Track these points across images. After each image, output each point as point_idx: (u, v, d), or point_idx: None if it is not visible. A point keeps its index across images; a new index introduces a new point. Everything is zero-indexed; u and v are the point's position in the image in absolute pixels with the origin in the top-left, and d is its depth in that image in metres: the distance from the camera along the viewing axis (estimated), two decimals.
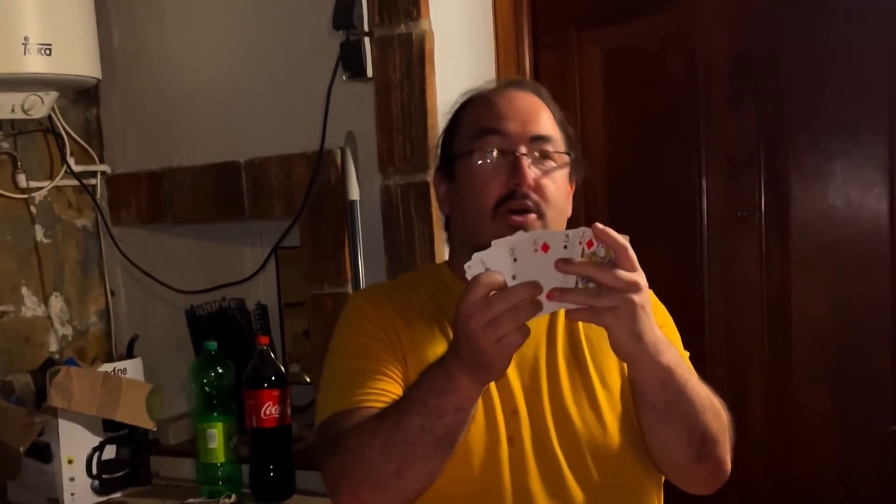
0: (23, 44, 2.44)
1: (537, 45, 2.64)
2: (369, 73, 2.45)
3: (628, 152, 2.57)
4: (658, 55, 2.51)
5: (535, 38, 2.63)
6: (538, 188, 1.69)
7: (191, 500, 2.52)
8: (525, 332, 1.38)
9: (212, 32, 2.77)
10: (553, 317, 1.73)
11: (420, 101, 2.40)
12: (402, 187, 2.43)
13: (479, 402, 1.55)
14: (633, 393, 1.60)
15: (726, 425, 1.64)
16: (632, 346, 1.44)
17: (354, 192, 2.48)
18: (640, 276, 1.41)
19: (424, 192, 2.39)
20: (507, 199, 1.69)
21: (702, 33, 2.45)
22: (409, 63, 2.41)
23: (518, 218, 1.68)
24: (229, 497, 2.51)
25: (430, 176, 2.38)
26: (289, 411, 2.52)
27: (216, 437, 2.55)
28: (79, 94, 2.93)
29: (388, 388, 1.66)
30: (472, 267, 1.39)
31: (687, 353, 1.77)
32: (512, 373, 1.69)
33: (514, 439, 1.66)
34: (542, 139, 1.72)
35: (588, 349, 1.73)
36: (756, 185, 2.40)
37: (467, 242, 1.73)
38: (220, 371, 2.58)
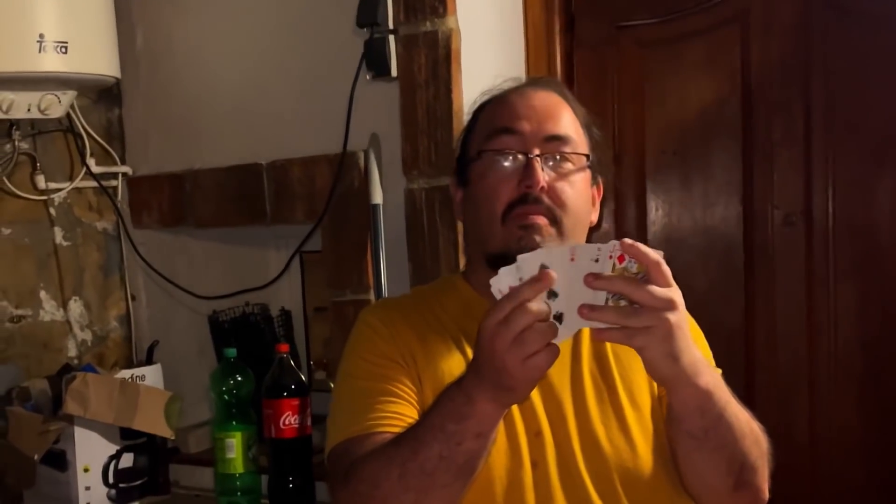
0: (38, 41, 2.37)
1: (572, 42, 2.54)
2: (394, 72, 2.37)
3: (669, 157, 2.47)
4: (703, 56, 2.40)
5: (570, 35, 2.53)
6: (553, 192, 1.60)
7: None
8: (554, 353, 1.29)
9: (235, 31, 2.70)
10: (578, 331, 1.64)
11: (446, 101, 2.31)
12: (427, 191, 2.35)
13: (501, 423, 1.47)
14: (668, 418, 1.50)
15: (765, 451, 1.55)
16: (668, 368, 1.34)
17: (377, 196, 2.40)
18: (675, 293, 1.32)
19: (450, 197, 2.29)
20: (519, 203, 1.60)
21: (750, 35, 2.35)
22: (434, 62, 2.32)
23: (529, 222, 1.58)
24: None
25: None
26: (309, 421, 2.44)
27: (234, 446, 2.47)
28: (101, 94, 2.87)
29: (402, 411, 1.58)
30: (497, 282, 1.31)
31: (719, 371, 1.67)
32: (534, 391, 1.59)
33: (539, 463, 1.57)
34: (558, 139, 1.63)
35: (616, 366, 1.64)
36: (804, 191, 2.30)
37: (480, 250, 1.66)
38: (240, 379, 2.50)
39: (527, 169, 1.60)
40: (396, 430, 1.52)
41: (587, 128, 1.69)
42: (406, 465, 1.41)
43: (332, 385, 1.77)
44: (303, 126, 2.56)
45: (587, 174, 1.66)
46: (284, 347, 2.47)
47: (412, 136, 2.36)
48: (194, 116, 2.80)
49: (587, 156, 1.65)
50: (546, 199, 1.59)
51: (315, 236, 2.58)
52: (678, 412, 1.44)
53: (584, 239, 1.68)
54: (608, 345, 1.64)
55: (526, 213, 1.59)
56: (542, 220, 1.59)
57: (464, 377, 1.39)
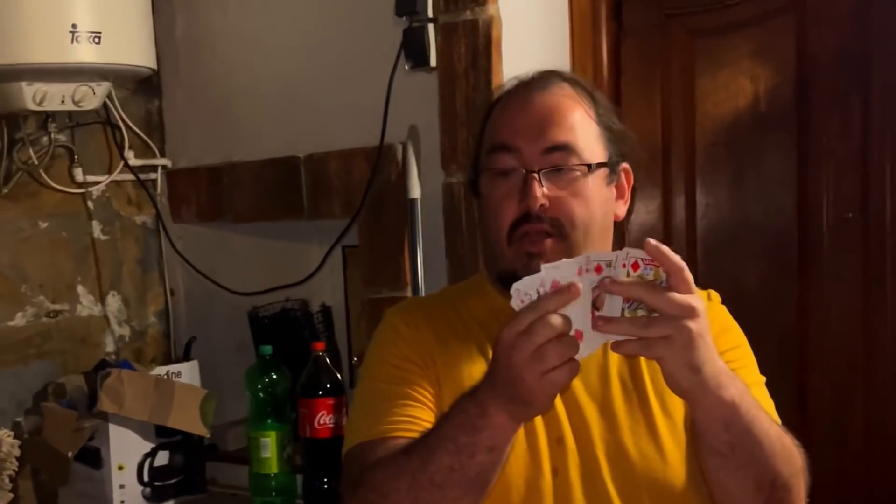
0: (70, 32, 2.33)
1: (619, 30, 2.45)
2: (433, 62, 2.30)
3: (720, 149, 2.37)
4: (755, 46, 2.30)
5: (617, 22, 2.44)
6: (556, 206, 1.53)
7: None
8: (574, 369, 1.23)
9: (274, 21, 2.65)
10: None
11: (486, 92, 2.23)
12: (466, 185, 2.27)
13: (521, 428, 1.40)
14: (692, 433, 1.41)
15: (800, 468, 1.44)
16: (689, 380, 1.26)
17: (415, 190, 2.33)
18: (697, 301, 1.24)
19: None
20: (522, 223, 1.53)
21: (806, 24, 2.24)
22: (474, 52, 2.25)
23: (534, 249, 1.52)
24: None
25: None
26: (345, 421, 2.39)
27: (269, 446, 2.42)
28: (140, 85, 2.83)
29: (419, 415, 1.52)
30: (517, 292, 1.25)
31: (763, 379, 1.58)
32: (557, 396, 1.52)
33: (560, 471, 1.50)
34: (559, 149, 1.54)
35: (648, 369, 1.55)
36: (861, 186, 2.19)
37: (492, 265, 1.60)
38: (275, 377, 2.45)
39: (525, 187, 1.53)
40: (412, 434, 1.46)
41: (603, 121, 1.60)
42: (416, 476, 1.35)
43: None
44: (340, 118, 2.51)
45: (600, 175, 1.57)
46: (320, 345, 2.41)
47: (451, 129, 2.28)
48: (233, 107, 2.75)
49: (588, 165, 1.55)
50: (549, 215, 1.52)
51: (355, 231, 2.51)
52: (701, 427, 1.35)
53: (609, 241, 1.61)
54: None
55: (528, 232, 1.53)
56: (546, 245, 1.52)
57: (478, 388, 1.32)
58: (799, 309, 2.27)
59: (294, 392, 2.43)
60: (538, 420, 1.51)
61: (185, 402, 2.52)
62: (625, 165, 1.63)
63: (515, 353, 1.22)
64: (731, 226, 2.35)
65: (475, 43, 2.24)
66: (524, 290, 1.25)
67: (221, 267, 2.86)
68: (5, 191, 2.60)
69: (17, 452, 2.43)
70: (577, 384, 1.54)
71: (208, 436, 2.57)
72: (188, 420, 2.52)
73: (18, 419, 2.58)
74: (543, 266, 1.24)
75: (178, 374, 2.59)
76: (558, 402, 1.52)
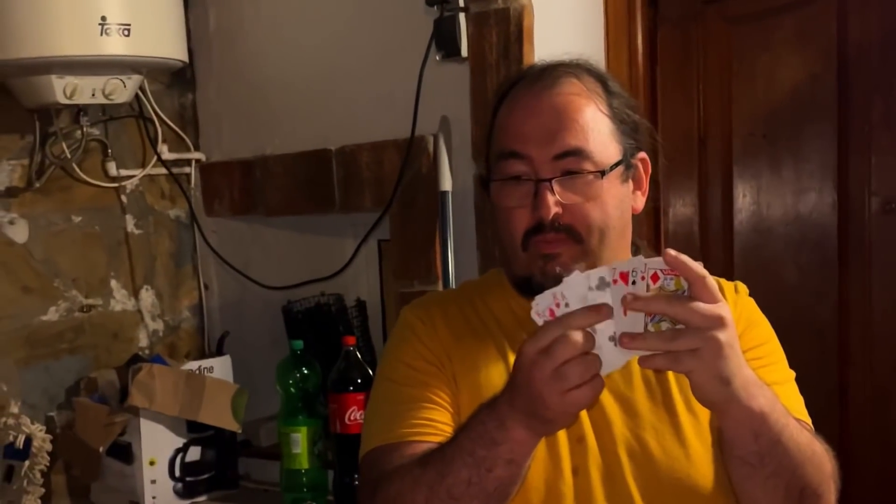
0: (100, 24, 2.30)
1: (656, 18, 2.39)
2: (464, 52, 2.26)
3: (758, 139, 2.31)
4: (796, 33, 2.24)
5: (653, 10, 2.39)
6: (570, 212, 1.48)
7: None
8: (597, 388, 1.20)
9: (305, 12, 2.62)
10: None
11: None
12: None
13: None
14: (720, 443, 1.35)
15: (830, 474, 1.39)
16: (719, 392, 1.22)
17: (446, 183, 2.29)
18: (724, 309, 1.19)
19: None
20: (535, 232, 1.48)
21: (848, 9, 2.18)
22: (506, 41, 2.21)
23: (548, 251, 1.48)
24: None
25: None
26: None
27: (300, 441, 2.40)
28: (174, 79, 2.82)
29: (436, 418, 1.48)
30: (537, 306, 1.23)
31: (792, 375, 1.52)
32: None
33: (580, 470, 1.46)
34: (569, 154, 1.48)
35: None
36: None
37: (508, 268, 1.57)
38: (307, 372, 2.43)
39: (537, 197, 1.48)
40: (430, 438, 1.43)
41: (617, 113, 1.53)
42: (433, 488, 1.32)
43: None
44: (372, 109, 2.47)
45: (614, 175, 1.51)
46: (351, 340, 2.38)
47: (482, 120, 2.21)
48: (266, 100, 2.73)
49: (601, 173, 1.49)
50: (563, 222, 1.47)
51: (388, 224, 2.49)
52: (730, 437, 1.31)
53: (627, 238, 1.57)
54: None
55: (543, 241, 1.48)
56: (561, 248, 1.47)
57: (498, 399, 1.29)
58: (839, 303, 2.21)
59: (325, 388, 2.41)
60: None
61: (216, 397, 2.50)
62: (641, 155, 1.58)
63: (536, 370, 1.19)
64: (770, 218, 2.29)
65: (507, 32, 2.20)
66: (544, 305, 1.22)
67: (255, 261, 2.84)
68: (38, 185, 2.58)
69: (48, 447, 2.44)
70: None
71: (239, 431, 2.55)
72: (219, 415, 2.50)
73: (51, 414, 2.58)
74: (564, 280, 1.21)
75: (210, 369, 2.57)
76: None
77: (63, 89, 2.40)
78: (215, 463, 2.57)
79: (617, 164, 1.51)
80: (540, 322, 1.23)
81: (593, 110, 1.51)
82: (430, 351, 1.56)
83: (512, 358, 1.48)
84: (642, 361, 1.21)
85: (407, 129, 2.34)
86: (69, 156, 2.59)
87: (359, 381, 2.33)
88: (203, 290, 2.90)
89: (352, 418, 2.33)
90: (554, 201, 1.46)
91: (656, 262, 1.19)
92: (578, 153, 1.48)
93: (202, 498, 2.54)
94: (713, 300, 1.19)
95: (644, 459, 1.45)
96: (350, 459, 2.35)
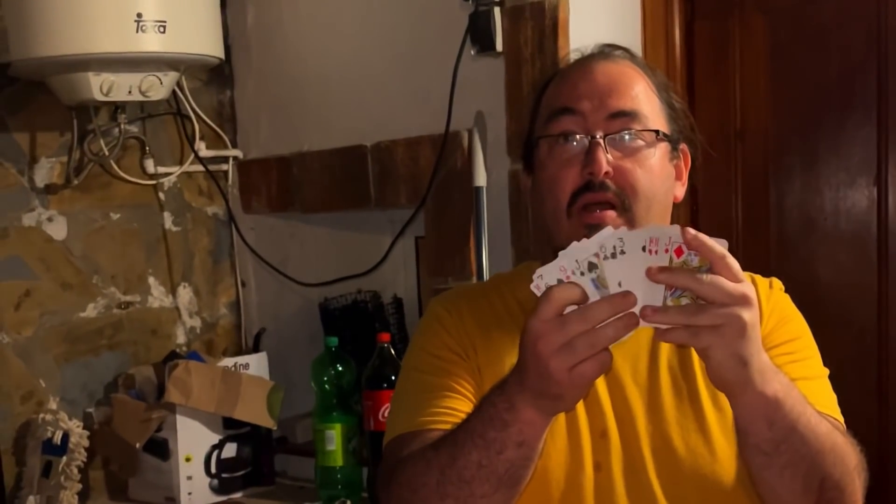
0: (136, 21, 2.31)
1: (693, 13, 2.36)
2: (499, 46, 2.24)
3: (797, 133, 2.26)
4: (834, 24, 2.18)
5: (689, 3, 2.35)
6: (621, 175, 1.45)
7: None
8: (604, 361, 1.17)
9: (341, 8, 2.62)
10: None
11: None
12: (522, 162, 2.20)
13: (563, 421, 1.36)
14: (735, 431, 1.32)
15: (854, 467, 1.35)
16: (736, 373, 1.19)
17: (481, 178, 2.27)
18: (748, 288, 1.17)
19: None
20: (583, 191, 1.45)
21: None
22: (541, 35, 2.19)
23: (594, 216, 1.44)
24: (344, 502, 2.34)
25: None
26: None
27: (334, 438, 2.40)
28: (211, 76, 2.82)
29: (459, 407, 1.47)
30: (543, 277, 1.19)
31: (826, 372, 1.49)
32: (602, 387, 1.46)
33: (602, 466, 1.44)
34: (625, 115, 1.46)
35: (699, 361, 1.46)
36: None
37: (548, 244, 1.52)
38: (341, 369, 2.43)
39: (589, 153, 1.45)
40: (449, 427, 1.41)
41: (664, 98, 1.53)
42: (444, 471, 1.31)
43: None
44: (407, 105, 2.46)
45: (663, 149, 1.50)
46: (385, 337, 2.38)
47: (517, 115, 2.22)
48: (303, 97, 2.72)
49: (657, 132, 1.48)
50: (613, 185, 1.44)
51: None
52: (744, 424, 1.28)
53: (667, 222, 1.52)
54: None
55: (591, 201, 1.44)
56: (608, 215, 1.44)
57: (507, 381, 1.27)
58: (879, 302, 2.16)
59: (359, 385, 2.40)
60: (581, 412, 1.45)
61: (252, 393, 2.51)
62: (683, 147, 1.56)
63: (542, 343, 1.17)
64: (808, 215, 2.24)
65: (542, 26, 2.18)
66: (546, 278, 1.19)
67: (293, 258, 2.84)
68: (77, 182, 2.60)
69: (85, 443, 2.45)
70: (625, 376, 1.48)
71: (274, 428, 2.56)
72: (254, 412, 2.51)
73: (89, 410, 2.59)
74: (571, 245, 1.18)
75: (246, 366, 2.58)
76: (603, 394, 1.46)
77: (100, 86, 2.40)
78: (251, 459, 2.58)
79: (666, 137, 1.49)
80: (538, 294, 1.19)
81: (645, 85, 1.51)
82: (456, 341, 1.55)
83: None
84: (660, 335, 1.18)
85: (442, 124, 2.33)
86: (107, 153, 2.60)
87: (393, 378, 2.32)
88: (240, 287, 2.91)
89: (386, 416, 2.30)
90: (607, 159, 1.44)
91: (679, 237, 1.17)
92: (633, 115, 1.47)
93: (238, 494, 2.55)
94: (735, 279, 1.17)
95: (667, 455, 1.43)
96: None
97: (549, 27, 2.17)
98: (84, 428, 2.47)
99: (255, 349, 2.73)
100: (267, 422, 2.52)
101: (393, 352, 2.36)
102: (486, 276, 2.26)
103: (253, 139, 2.87)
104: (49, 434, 2.44)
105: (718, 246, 1.16)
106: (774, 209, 2.26)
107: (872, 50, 2.14)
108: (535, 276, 1.20)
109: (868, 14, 2.14)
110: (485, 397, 1.31)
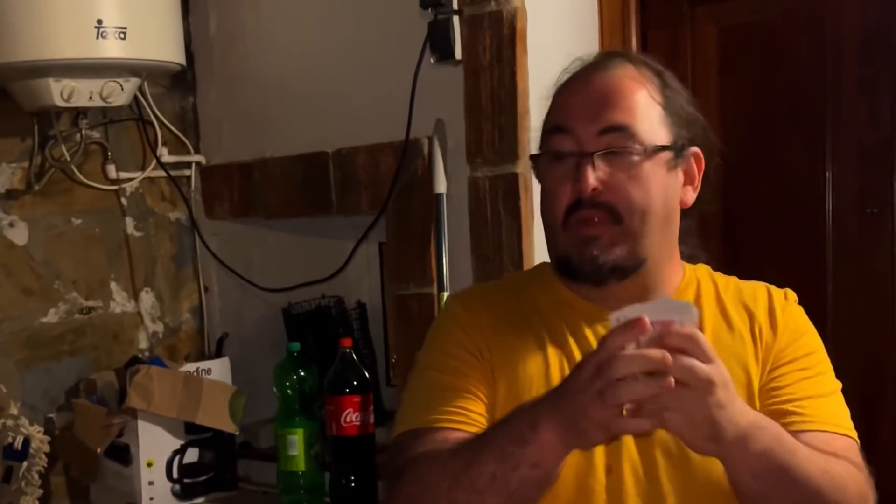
0: (96, 27, 2.31)
1: (646, 23, 2.38)
2: (458, 55, 2.26)
3: (745, 141, 2.27)
4: (781, 34, 2.21)
5: (643, 15, 2.38)
6: (611, 189, 1.47)
7: None
8: (642, 427, 1.25)
9: (303, 16, 2.63)
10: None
11: (510, 85, 2.19)
12: (491, 179, 2.23)
13: None
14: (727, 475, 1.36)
15: (854, 496, 1.39)
16: (710, 449, 1.26)
17: (441, 185, 2.30)
18: (715, 371, 1.22)
19: (513, 186, 2.19)
20: (576, 208, 1.48)
21: (831, 9, 2.15)
22: (499, 44, 2.21)
23: (586, 233, 1.48)
24: None
25: (519, 167, 2.19)
26: (371, 419, 2.36)
27: (297, 443, 2.41)
28: (175, 82, 2.83)
29: (470, 407, 1.50)
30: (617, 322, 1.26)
31: (839, 386, 1.53)
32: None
33: (614, 469, 1.46)
34: (614, 130, 1.48)
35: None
36: (889, 179, 2.09)
37: (552, 251, 1.57)
38: (303, 374, 2.44)
39: (578, 171, 1.47)
40: (459, 426, 1.46)
41: (669, 102, 1.53)
42: (458, 476, 1.34)
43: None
44: (368, 112, 2.48)
45: (661, 159, 1.50)
46: (347, 342, 2.40)
47: (476, 123, 2.24)
48: (265, 103, 2.73)
49: (644, 151, 1.48)
50: (603, 199, 1.47)
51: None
52: (731, 477, 1.33)
53: (674, 228, 1.56)
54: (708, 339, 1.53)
55: (582, 218, 1.48)
56: (601, 230, 1.47)
57: (541, 400, 1.31)
58: (826, 310, 2.17)
59: (322, 390, 2.41)
60: None
61: (214, 398, 2.52)
62: (695, 150, 1.56)
63: (589, 378, 1.22)
64: (755, 222, 2.27)
65: (500, 35, 2.20)
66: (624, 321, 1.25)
67: (256, 263, 2.85)
68: (38, 187, 2.60)
69: (46, 448, 2.45)
70: None
71: (237, 433, 2.56)
72: (216, 417, 2.51)
73: (51, 415, 2.60)
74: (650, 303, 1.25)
75: (209, 371, 2.59)
76: None
77: (60, 92, 2.41)
78: (214, 464, 2.58)
79: (664, 148, 1.50)
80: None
81: (644, 95, 1.51)
82: (471, 340, 1.57)
83: (551, 349, 1.52)
84: (631, 413, 1.23)
85: (402, 131, 2.34)
86: (69, 158, 2.61)
87: (355, 383, 2.34)
88: (203, 293, 2.91)
89: (348, 420, 2.33)
90: (594, 176, 1.46)
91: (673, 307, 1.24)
92: (623, 129, 1.48)
93: (200, 499, 2.55)
94: (707, 360, 1.21)
95: (680, 460, 1.45)
96: (347, 461, 2.37)
97: (507, 36, 2.19)
98: (45, 433, 2.47)
99: (218, 354, 2.73)
100: (229, 427, 2.52)
101: (355, 357, 2.38)
102: (446, 281, 2.28)
103: (215, 145, 2.88)
104: (10, 440, 2.44)
105: (687, 330, 1.22)
106: (724, 220, 2.28)
107: (819, 62, 2.17)
108: (612, 319, 1.26)
109: (815, 26, 2.17)
110: (514, 411, 1.34)
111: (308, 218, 2.70)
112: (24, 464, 2.41)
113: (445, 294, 2.27)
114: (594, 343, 1.49)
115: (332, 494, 2.39)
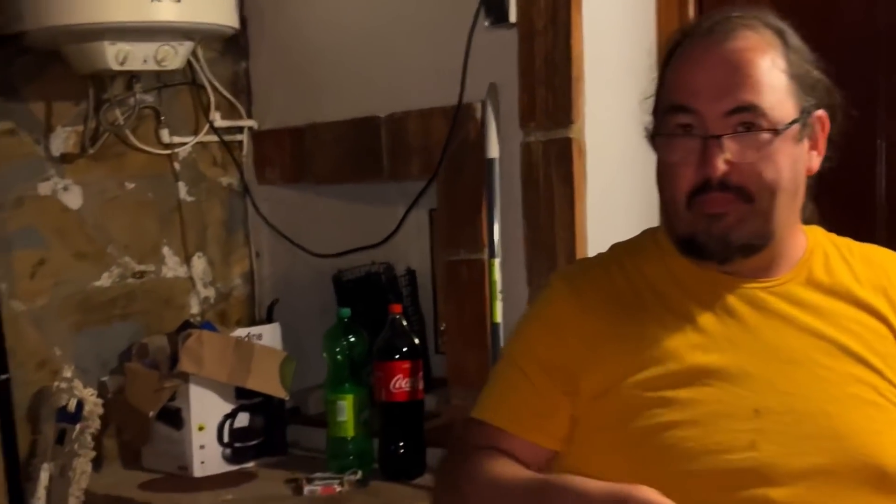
0: None
1: None
2: (512, 18, 2.23)
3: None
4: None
5: None
6: (740, 172, 1.40)
7: (317, 475, 2.37)
8: None
9: None
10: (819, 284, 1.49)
11: (565, 49, 2.17)
12: (544, 144, 2.20)
13: (715, 396, 1.38)
14: None
15: None
16: None
17: (493, 150, 2.27)
18: None
19: (566, 151, 2.17)
20: (701, 191, 1.41)
21: None
22: (554, 6, 2.18)
23: (713, 211, 1.42)
24: (355, 473, 2.35)
25: (573, 132, 2.17)
26: (421, 385, 2.35)
27: (346, 409, 2.41)
28: (227, 46, 2.81)
29: (544, 425, 1.51)
30: None
31: None
32: (761, 358, 1.42)
33: (757, 444, 1.37)
34: (742, 110, 1.40)
35: (867, 334, 1.45)
36: None
37: (670, 228, 1.49)
38: (353, 340, 2.43)
39: (704, 154, 1.40)
40: (523, 433, 1.50)
41: (794, 67, 1.44)
42: None
43: None
44: (421, 76, 2.45)
45: (789, 134, 1.42)
46: (397, 308, 2.39)
47: (530, 87, 2.22)
48: (317, 68, 2.71)
49: (775, 130, 1.40)
50: (732, 181, 1.40)
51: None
52: None
53: (799, 200, 1.49)
54: (867, 305, 1.48)
55: (709, 200, 1.41)
56: (729, 208, 1.41)
57: (572, 483, 1.30)
58: None
59: (371, 357, 2.41)
60: (734, 387, 1.40)
61: (264, 364, 2.51)
62: (819, 113, 1.48)
63: None
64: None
65: None
66: None
67: (306, 229, 2.83)
68: (92, 151, 2.60)
69: (99, 411, 2.46)
70: (783, 346, 1.43)
71: (287, 398, 2.56)
72: (267, 382, 2.51)
73: (103, 379, 2.60)
74: None
75: (259, 337, 2.58)
76: (759, 366, 1.42)
77: (115, 56, 2.40)
78: (264, 429, 2.58)
79: (793, 123, 1.42)
80: None
81: (769, 65, 1.42)
82: (563, 344, 1.51)
83: (672, 322, 1.46)
84: None
85: (455, 96, 2.32)
86: (122, 123, 2.61)
87: (405, 349, 2.33)
88: (254, 258, 2.91)
89: (397, 386, 2.33)
90: (722, 159, 1.39)
91: None
92: (752, 109, 1.40)
93: (250, 464, 2.55)
94: None
95: (828, 433, 1.38)
96: (396, 428, 2.37)
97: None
98: (98, 397, 2.48)
99: (269, 320, 2.73)
100: (279, 392, 2.52)
101: (405, 323, 2.37)
102: (497, 247, 2.25)
103: (267, 110, 2.86)
104: (63, 402, 2.45)
105: None
106: None
107: (871, 27, 2.11)
108: None
109: None
110: (545, 479, 1.36)
111: (358, 183, 2.69)
112: (78, 426, 2.42)
113: (496, 260, 2.25)
114: (721, 313, 1.45)
115: (381, 460, 2.39)
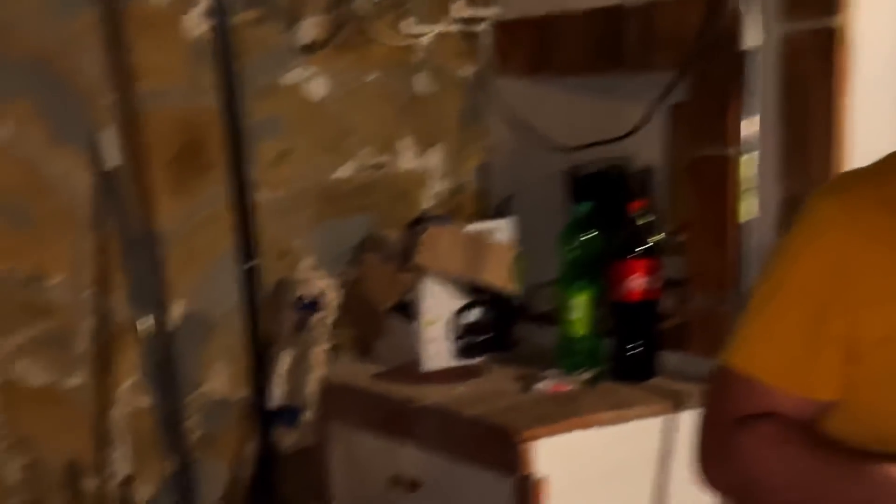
0: None
1: None
2: None
3: None
4: None
5: None
6: None
7: (548, 372, 2.34)
8: None
9: None
10: None
11: None
12: (805, 35, 2.05)
13: None
14: None
15: None
16: None
17: (750, 40, 2.12)
18: None
19: (829, 42, 2.00)
20: None
21: None
22: None
23: None
24: (585, 372, 2.31)
25: (837, 21, 2.00)
26: (658, 285, 2.27)
27: (578, 307, 2.35)
28: None
29: (821, 365, 1.28)
30: None
31: None
32: None
33: None
34: None
35: None
36: None
37: None
38: (589, 237, 2.36)
39: None
40: (797, 390, 1.29)
41: None
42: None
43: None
44: None
45: None
46: (637, 205, 2.30)
47: None
48: None
49: None
50: None
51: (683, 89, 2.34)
52: None
53: None
54: None
55: None
56: None
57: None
58: None
59: (607, 254, 2.34)
60: None
61: (497, 259, 2.48)
62: None
63: None
64: None
65: None
66: None
67: (543, 123, 2.75)
68: (335, 42, 2.60)
69: (338, 302, 2.49)
70: None
71: (519, 293, 2.52)
72: (500, 277, 2.48)
73: (339, 270, 2.63)
74: None
75: (493, 231, 2.55)
76: None
77: None
78: (493, 325, 2.56)
79: None
80: None
81: None
82: (840, 280, 1.26)
83: None
84: None
85: None
86: (365, 13, 2.59)
87: (643, 247, 2.26)
88: (489, 152, 2.87)
89: (633, 285, 2.26)
90: None
91: None
92: None
93: (478, 359, 2.54)
94: None
95: None
96: (629, 328, 2.31)
97: None
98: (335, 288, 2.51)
99: (503, 214, 2.69)
100: (512, 288, 2.49)
101: (643, 221, 2.28)
102: (749, 146, 2.13)
103: None
104: (303, 292, 2.49)
105: None
106: None
107: None
108: None
109: None
110: (862, 463, 1.24)
111: (601, 76, 2.58)
112: (316, 316, 2.46)
113: (748, 157, 2.12)
114: None
115: (613, 361, 2.33)
